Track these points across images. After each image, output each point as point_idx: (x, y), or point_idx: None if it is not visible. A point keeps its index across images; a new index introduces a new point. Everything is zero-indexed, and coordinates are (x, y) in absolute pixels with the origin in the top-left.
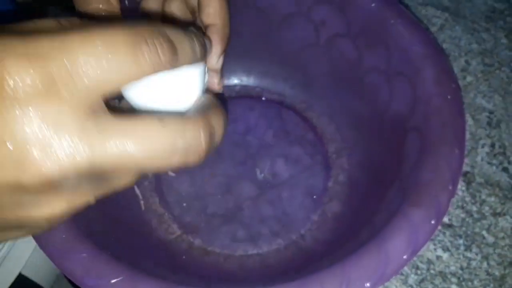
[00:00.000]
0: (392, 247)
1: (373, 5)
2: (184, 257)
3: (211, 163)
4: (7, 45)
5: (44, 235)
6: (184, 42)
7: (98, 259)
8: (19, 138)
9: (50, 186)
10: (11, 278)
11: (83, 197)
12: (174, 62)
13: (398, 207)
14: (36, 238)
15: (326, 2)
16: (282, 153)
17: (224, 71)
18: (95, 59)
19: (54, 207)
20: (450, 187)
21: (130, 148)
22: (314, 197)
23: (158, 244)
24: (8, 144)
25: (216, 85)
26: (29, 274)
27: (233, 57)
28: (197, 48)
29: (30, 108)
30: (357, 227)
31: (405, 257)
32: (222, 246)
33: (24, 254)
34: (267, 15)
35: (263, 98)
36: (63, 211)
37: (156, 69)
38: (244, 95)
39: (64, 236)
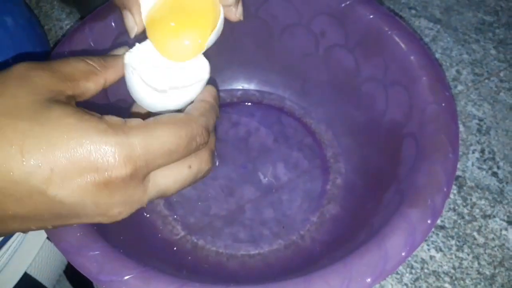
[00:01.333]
0: (391, 245)
1: (371, 17)
2: (190, 257)
3: (213, 166)
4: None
5: (58, 232)
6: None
7: (111, 256)
8: None
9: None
10: (18, 276)
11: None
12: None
13: (396, 208)
14: (50, 234)
15: (326, 14)
16: (282, 157)
17: (226, 78)
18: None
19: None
20: (445, 189)
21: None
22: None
23: (164, 245)
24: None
25: (234, 14)
26: (34, 273)
27: (235, 64)
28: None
29: None
30: (355, 228)
31: (403, 254)
32: (225, 247)
33: (31, 253)
34: (269, 25)
35: (264, 104)
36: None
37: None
38: (245, 100)
39: (78, 234)
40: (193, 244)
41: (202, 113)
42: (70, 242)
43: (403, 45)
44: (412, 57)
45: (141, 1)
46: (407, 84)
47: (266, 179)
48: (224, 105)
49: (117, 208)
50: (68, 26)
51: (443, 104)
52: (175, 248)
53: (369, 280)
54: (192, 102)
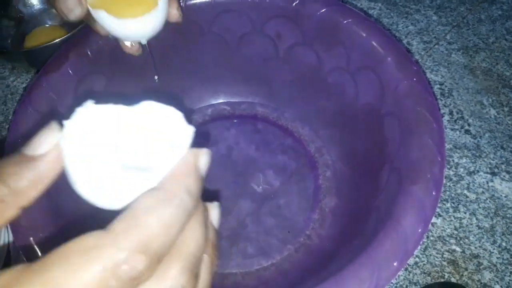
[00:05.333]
0: (407, 225)
1: (323, 10)
2: None
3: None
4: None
5: None
6: None
7: None
8: None
9: None
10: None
11: None
12: None
13: (398, 188)
14: None
15: (278, 17)
16: (268, 163)
17: (193, 99)
18: None
19: None
20: (439, 159)
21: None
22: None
23: None
24: None
25: (175, 14)
26: None
27: (199, 83)
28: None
29: None
30: (360, 216)
31: (420, 230)
32: (237, 266)
33: None
34: (224, 38)
35: (236, 115)
36: None
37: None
38: (217, 116)
39: None
40: None
41: (174, 177)
42: None
43: (361, 30)
44: (372, 40)
45: None
46: (373, 67)
47: (261, 187)
48: (197, 126)
49: None
50: (14, 83)
51: (414, 79)
52: None
53: (396, 264)
54: None
